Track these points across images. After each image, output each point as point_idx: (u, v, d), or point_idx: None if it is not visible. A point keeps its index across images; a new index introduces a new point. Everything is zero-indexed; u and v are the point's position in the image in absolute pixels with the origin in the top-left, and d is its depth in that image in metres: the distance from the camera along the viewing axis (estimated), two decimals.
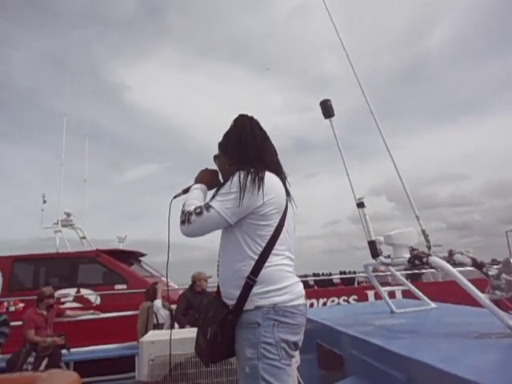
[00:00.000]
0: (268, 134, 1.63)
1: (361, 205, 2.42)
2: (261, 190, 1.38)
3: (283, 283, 1.37)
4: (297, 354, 1.46)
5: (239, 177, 1.40)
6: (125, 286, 7.38)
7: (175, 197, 1.66)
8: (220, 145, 1.65)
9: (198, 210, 1.39)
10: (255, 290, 1.34)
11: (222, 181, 1.62)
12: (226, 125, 1.66)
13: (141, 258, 9.34)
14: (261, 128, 1.61)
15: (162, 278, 7.44)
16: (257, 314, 1.31)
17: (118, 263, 7.72)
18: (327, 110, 2.61)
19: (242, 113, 1.64)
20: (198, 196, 1.53)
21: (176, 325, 4.82)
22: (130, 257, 8.84)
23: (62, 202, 9.63)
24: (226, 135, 1.63)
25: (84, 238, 9.65)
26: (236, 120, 1.62)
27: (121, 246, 9.51)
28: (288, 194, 1.54)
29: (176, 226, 1.50)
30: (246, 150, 1.52)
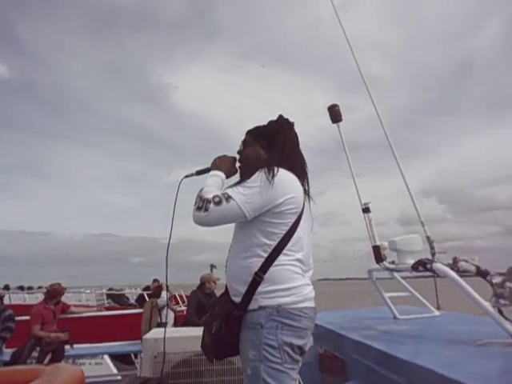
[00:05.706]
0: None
1: (366, 210, 2.44)
2: (282, 188, 1.36)
3: (290, 284, 1.33)
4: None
5: (263, 172, 1.36)
6: None
7: (187, 176, 1.62)
8: (250, 131, 1.61)
9: (217, 199, 1.33)
10: (260, 288, 1.31)
11: (238, 169, 1.59)
12: None
13: None
14: (296, 134, 1.59)
15: None
16: (260, 314, 1.28)
17: None
18: (335, 114, 2.64)
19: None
20: (216, 183, 1.47)
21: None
22: None
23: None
24: (264, 125, 1.60)
25: None
26: (277, 118, 1.59)
27: None
28: (307, 195, 1.51)
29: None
30: (279, 145, 1.50)
